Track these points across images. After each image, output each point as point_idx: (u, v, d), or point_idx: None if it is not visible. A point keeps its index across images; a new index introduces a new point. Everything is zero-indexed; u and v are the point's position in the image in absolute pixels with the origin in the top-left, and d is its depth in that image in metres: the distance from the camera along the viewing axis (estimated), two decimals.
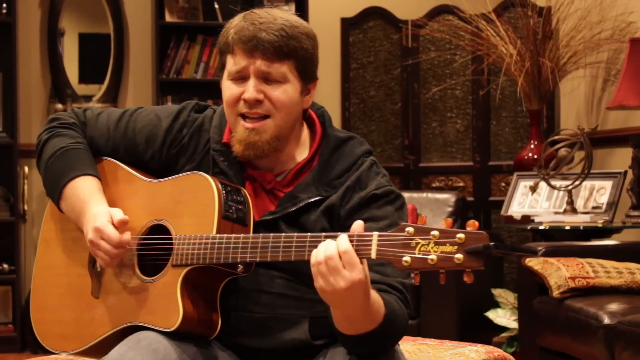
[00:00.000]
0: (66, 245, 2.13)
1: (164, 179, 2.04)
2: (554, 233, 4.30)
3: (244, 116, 1.98)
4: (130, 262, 2.01)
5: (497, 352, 2.52)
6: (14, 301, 5.28)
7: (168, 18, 5.45)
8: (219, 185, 1.94)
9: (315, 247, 1.77)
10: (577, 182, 4.32)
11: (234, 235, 1.89)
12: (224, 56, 2.01)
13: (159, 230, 2.01)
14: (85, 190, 2.04)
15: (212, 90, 5.57)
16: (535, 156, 4.86)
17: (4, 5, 5.22)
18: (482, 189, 5.65)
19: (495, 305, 4.55)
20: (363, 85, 5.77)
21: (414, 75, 5.71)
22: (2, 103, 5.33)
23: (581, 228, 4.22)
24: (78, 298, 2.07)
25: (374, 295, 1.80)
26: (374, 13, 5.79)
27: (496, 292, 4.54)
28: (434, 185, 5.69)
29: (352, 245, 1.72)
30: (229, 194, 1.95)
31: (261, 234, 1.87)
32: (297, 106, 2.01)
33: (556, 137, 4.50)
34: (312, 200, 1.98)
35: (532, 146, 4.95)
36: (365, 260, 1.73)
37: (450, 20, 5.62)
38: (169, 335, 1.91)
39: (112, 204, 2.05)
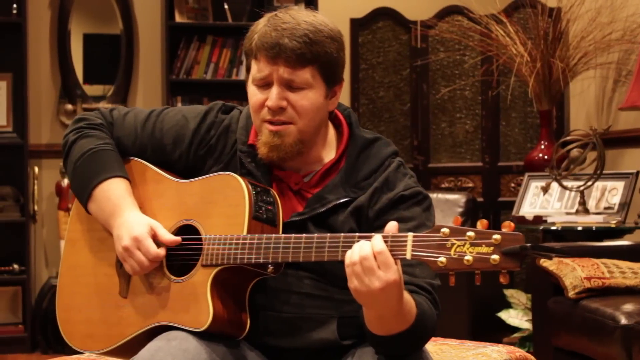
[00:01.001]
0: (93, 245, 2.13)
1: (193, 179, 2.04)
2: (566, 234, 4.30)
3: (268, 121, 1.99)
4: (159, 263, 2.01)
5: (519, 352, 2.53)
6: (24, 301, 5.28)
7: (178, 18, 5.45)
8: (249, 186, 1.95)
9: (349, 247, 1.77)
10: (589, 183, 4.33)
11: (265, 235, 1.89)
12: (249, 60, 2.02)
13: (187, 230, 2.01)
14: (116, 193, 2.04)
15: (221, 90, 5.58)
16: (546, 157, 4.87)
17: (14, 5, 5.22)
18: (492, 190, 5.65)
19: (507, 305, 4.56)
20: (372, 85, 5.77)
21: (423, 75, 5.71)
22: (12, 104, 5.33)
23: (594, 228, 4.22)
24: (105, 298, 2.07)
25: (406, 296, 1.81)
26: (384, 14, 5.79)
27: (508, 292, 4.55)
28: (443, 185, 5.69)
29: (387, 245, 1.73)
30: (259, 194, 1.96)
31: (293, 235, 1.87)
32: (322, 110, 2.01)
33: (568, 138, 4.50)
34: (341, 201, 1.98)
35: (543, 147, 4.96)
36: (399, 261, 1.74)
37: (459, 20, 5.62)
38: (199, 335, 1.92)
39: (140, 204, 2.06)
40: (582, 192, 4.36)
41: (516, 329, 4.54)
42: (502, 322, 4.51)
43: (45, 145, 5.45)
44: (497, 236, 1.64)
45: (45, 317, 5.16)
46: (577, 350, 3.48)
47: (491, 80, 5.46)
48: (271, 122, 1.97)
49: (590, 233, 4.23)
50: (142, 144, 2.12)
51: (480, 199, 5.58)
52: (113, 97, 5.53)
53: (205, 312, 1.90)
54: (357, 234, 1.80)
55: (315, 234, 1.85)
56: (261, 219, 1.94)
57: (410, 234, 1.73)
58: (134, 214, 2.02)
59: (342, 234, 1.82)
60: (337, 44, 2.00)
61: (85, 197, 2.08)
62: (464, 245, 1.66)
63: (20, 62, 5.24)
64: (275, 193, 2.00)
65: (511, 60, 4.95)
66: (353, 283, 1.75)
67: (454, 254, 1.66)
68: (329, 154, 2.07)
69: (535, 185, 4.68)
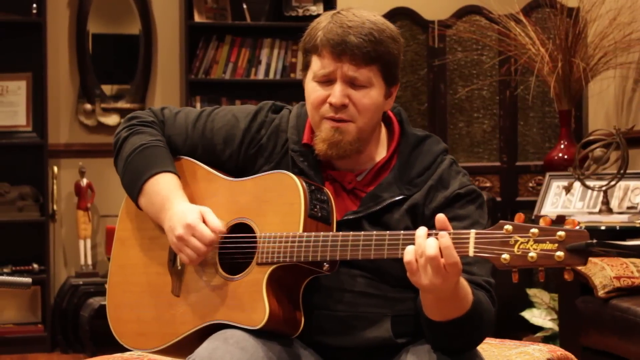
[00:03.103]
0: (143, 244, 2.14)
1: (246, 177, 2.05)
2: (589, 233, 4.29)
3: (329, 118, 1.99)
4: (212, 261, 2.01)
5: (560, 351, 2.54)
6: (43, 301, 5.29)
7: (197, 18, 5.46)
8: (304, 184, 1.95)
9: (409, 244, 1.78)
10: (612, 183, 4.33)
11: (322, 233, 1.90)
12: (309, 56, 2.02)
13: (240, 229, 2.02)
14: (166, 187, 2.05)
15: (240, 90, 5.59)
16: (566, 156, 4.87)
17: (34, 5, 5.22)
18: (510, 189, 5.65)
19: (528, 305, 4.56)
20: None
21: (440, 75, 5.72)
22: (32, 103, 5.34)
23: (617, 228, 4.22)
24: (158, 296, 2.08)
25: (463, 281, 1.82)
26: (401, 13, 5.79)
27: (531, 292, 4.55)
28: None
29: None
30: (313, 192, 1.96)
31: (351, 232, 1.87)
32: (380, 110, 2.03)
33: (591, 138, 4.51)
34: (396, 199, 1.99)
35: (562, 146, 4.96)
36: None
37: (477, 20, 5.62)
38: (254, 333, 1.92)
39: (192, 202, 2.06)
40: (605, 192, 4.37)
41: (537, 329, 4.54)
42: (521, 321, 4.52)
43: (64, 145, 5.45)
44: (561, 233, 1.65)
45: (64, 317, 5.17)
46: (607, 349, 3.48)
47: (509, 80, 5.46)
48: (332, 119, 1.97)
49: (614, 232, 4.23)
50: (193, 143, 2.13)
51: (498, 199, 5.59)
52: (131, 97, 5.53)
53: (261, 310, 1.91)
54: (416, 231, 1.80)
55: (374, 232, 1.85)
56: (316, 217, 1.94)
57: (473, 231, 1.74)
58: (183, 204, 2.02)
59: (402, 232, 1.82)
60: (397, 45, 2.01)
61: (135, 191, 2.09)
62: (527, 242, 1.67)
63: (40, 61, 5.25)
64: (328, 191, 2.00)
65: (531, 60, 4.96)
66: (416, 277, 1.75)
67: (518, 251, 1.67)
68: (381, 153, 2.07)
69: (556, 185, 4.69)
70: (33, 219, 5.27)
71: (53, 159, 5.37)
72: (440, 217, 1.76)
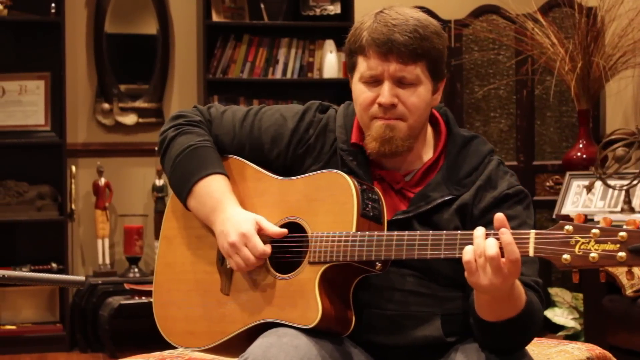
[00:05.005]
0: (190, 243, 2.14)
1: (296, 177, 2.05)
2: None
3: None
4: (265, 260, 2.02)
5: (598, 350, 2.55)
6: (62, 300, 5.30)
7: (215, 18, 5.46)
8: (356, 183, 1.96)
9: (466, 244, 1.78)
10: (635, 182, 4.34)
11: (376, 233, 1.90)
12: (355, 57, 2.02)
13: (289, 227, 2.02)
14: (217, 189, 2.05)
15: (257, 90, 5.60)
16: (584, 155, 4.88)
17: (53, 5, 5.22)
18: (527, 189, 5.60)
19: (550, 304, 4.57)
20: None
21: (457, 75, 5.72)
22: (50, 103, 5.34)
23: None
24: (206, 295, 2.08)
25: (516, 281, 1.83)
26: None
27: (553, 291, 4.56)
28: None
29: None
30: (365, 192, 1.97)
31: (406, 232, 1.88)
32: (429, 106, 2.03)
33: (613, 137, 4.51)
34: (446, 199, 1.99)
35: (581, 145, 4.96)
36: None
37: (494, 19, 5.63)
38: (305, 332, 1.93)
39: (241, 201, 2.07)
40: (627, 191, 4.37)
41: (558, 328, 4.55)
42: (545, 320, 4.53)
43: (82, 144, 5.46)
44: (623, 233, 1.66)
45: (83, 316, 5.17)
46: (636, 348, 3.49)
47: (526, 79, 5.46)
48: (382, 119, 1.98)
49: None
50: (241, 142, 2.13)
51: None
52: (149, 97, 5.53)
53: (314, 309, 1.91)
54: (473, 231, 1.80)
55: (430, 232, 1.86)
56: (368, 216, 1.95)
57: (533, 231, 1.74)
58: (237, 209, 2.03)
59: (459, 231, 1.83)
60: (442, 40, 2.01)
61: (185, 193, 2.09)
62: (588, 243, 1.67)
63: (58, 61, 5.25)
64: (378, 191, 2.01)
65: (551, 60, 4.96)
66: (474, 277, 1.76)
67: (579, 252, 1.68)
68: (428, 153, 2.08)
69: (577, 184, 4.69)
70: (51, 218, 5.27)
71: (71, 158, 5.37)
72: (499, 216, 1.77)
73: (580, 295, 4.45)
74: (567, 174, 4.79)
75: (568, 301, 4.46)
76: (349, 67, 2.05)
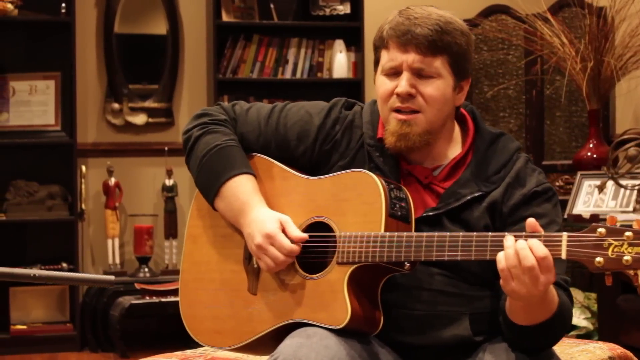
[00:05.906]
0: (216, 242, 2.14)
1: (323, 176, 2.05)
2: None
3: (397, 110, 2.00)
4: (294, 258, 2.02)
5: (619, 349, 2.55)
6: (72, 300, 5.29)
7: (225, 18, 5.46)
8: (384, 183, 1.96)
9: (498, 247, 1.78)
10: None
11: (405, 233, 1.90)
12: (378, 52, 2.04)
13: (317, 227, 2.02)
14: (244, 191, 2.05)
15: (267, 89, 5.59)
16: (595, 155, 4.88)
17: (63, 5, 5.22)
18: None
19: None
20: None
21: None
22: (60, 103, 5.34)
23: None
24: (233, 294, 2.08)
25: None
26: None
27: None
28: None
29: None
30: (392, 191, 1.96)
31: (436, 233, 1.88)
32: (449, 102, 2.03)
33: (625, 137, 4.51)
34: (475, 195, 1.99)
35: (592, 145, 4.96)
36: None
37: (503, 19, 5.63)
38: (334, 331, 1.92)
39: (267, 201, 2.06)
40: (639, 191, 4.37)
41: (571, 327, 4.54)
42: None
43: (92, 144, 5.46)
44: None
45: (94, 316, 5.17)
46: None
47: (535, 79, 5.46)
48: (400, 111, 1.99)
49: None
50: (266, 140, 2.13)
51: None
52: (159, 97, 5.53)
53: (343, 309, 1.91)
54: (505, 233, 1.80)
55: (460, 233, 1.86)
56: (396, 216, 1.95)
57: (565, 234, 1.74)
58: (263, 210, 2.03)
59: (490, 233, 1.82)
60: (466, 38, 2.02)
61: (212, 194, 2.09)
62: (621, 246, 1.68)
63: (69, 61, 5.25)
64: (405, 189, 2.01)
65: (562, 60, 4.96)
66: (511, 285, 1.76)
67: (612, 254, 1.68)
68: (455, 150, 2.08)
69: (588, 184, 4.69)
70: (62, 218, 5.27)
71: (81, 158, 5.37)
72: (531, 222, 1.77)
73: (593, 295, 4.45)
74: (579, 173, 4.79)
75: (580, 301, 4.46)
76: (375, 63, 2.06)
